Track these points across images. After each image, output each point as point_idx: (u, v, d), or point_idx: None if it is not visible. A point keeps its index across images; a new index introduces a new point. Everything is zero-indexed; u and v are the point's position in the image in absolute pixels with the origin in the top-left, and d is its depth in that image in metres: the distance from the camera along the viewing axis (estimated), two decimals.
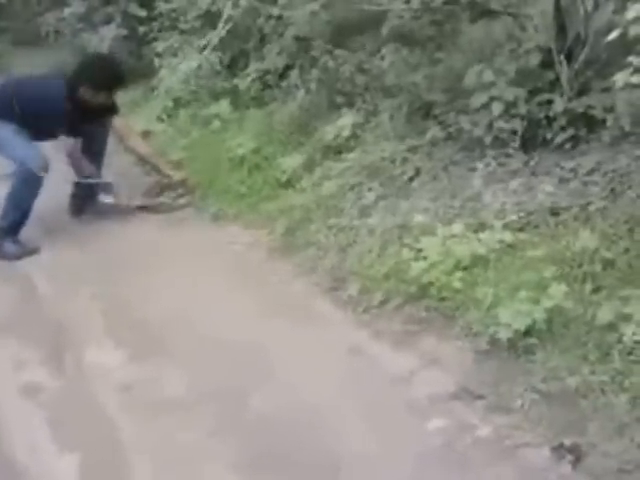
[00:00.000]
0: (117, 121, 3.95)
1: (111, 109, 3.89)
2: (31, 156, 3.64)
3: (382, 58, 3.55)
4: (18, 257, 3.64)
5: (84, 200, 4.03)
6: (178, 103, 4.77)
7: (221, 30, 3.80)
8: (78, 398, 2.55)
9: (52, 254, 3.63)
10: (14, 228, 3.72)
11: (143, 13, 5.63)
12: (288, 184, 3.67)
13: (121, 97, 5.44)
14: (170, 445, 2.22)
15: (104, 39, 5.63)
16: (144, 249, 3.53)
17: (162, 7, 5.12)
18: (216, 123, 4.49)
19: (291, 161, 3.71)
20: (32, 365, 2.78)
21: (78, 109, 3.64)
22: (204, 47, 3.99)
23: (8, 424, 2.47)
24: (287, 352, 2.56)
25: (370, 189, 3.26)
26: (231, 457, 2.13)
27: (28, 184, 3.65)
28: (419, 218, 2.94)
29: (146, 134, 4.74)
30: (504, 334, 2.27)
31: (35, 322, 3.08)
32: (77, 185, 4.00)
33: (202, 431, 2.25)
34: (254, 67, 4.41)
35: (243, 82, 4.45)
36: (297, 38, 4.06)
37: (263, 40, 4.50)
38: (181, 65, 4.29)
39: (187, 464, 2.14)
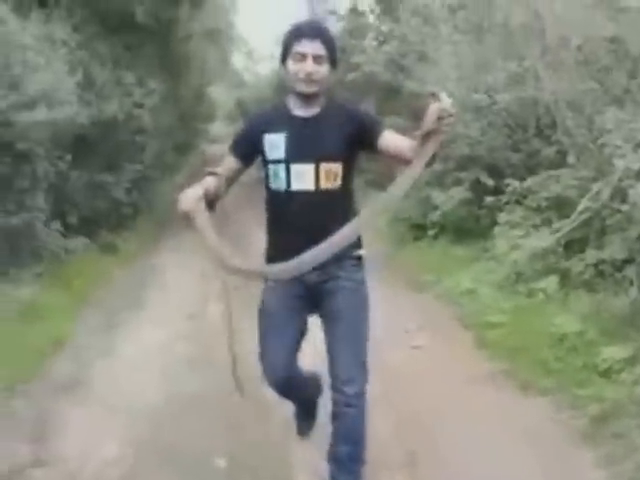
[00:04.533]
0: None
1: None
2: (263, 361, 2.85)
3: None
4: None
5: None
6: (519, 277, 4.97)
7: (575, 219, 3.99)
8: None
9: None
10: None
11: (491, 183, 6.16)
12: (606, 373, 3.67)
13: (454, 252, 6.03)
14: None
15: (452, 198, 6.26)
16: (445, 399, 3.73)
17: (514, 184, 5.47)
18: (540, 296, 4.71)
19: (614, 351, 3.72)
20: None
21: None
22: (556, 230, 4.20)
23: None
24: None
25: None
26: None
27: None
28: None
29: (469, 292, 5.13)
30: None
31: None
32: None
33: None
34: (591, 253, 4.54)
35: (576, 265, 4.61)
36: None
37: (604, 230, 4.62)
38: (526, 242, 4.55)
39: None
